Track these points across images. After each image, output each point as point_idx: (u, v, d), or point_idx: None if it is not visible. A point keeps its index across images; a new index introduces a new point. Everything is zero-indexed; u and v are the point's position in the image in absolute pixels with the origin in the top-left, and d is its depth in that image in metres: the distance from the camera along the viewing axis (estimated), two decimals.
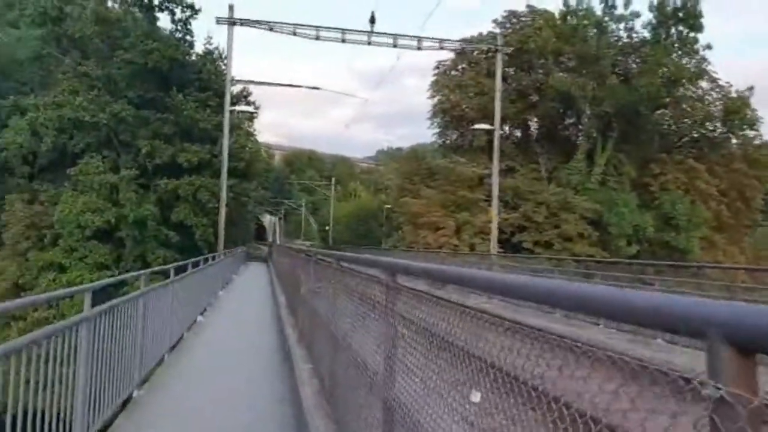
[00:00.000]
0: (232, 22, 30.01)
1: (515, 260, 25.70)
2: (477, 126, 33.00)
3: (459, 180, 42.23)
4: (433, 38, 30.11)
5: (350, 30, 29.62)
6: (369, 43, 29.40)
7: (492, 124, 47.59)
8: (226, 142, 31.01)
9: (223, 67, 40.31)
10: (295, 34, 29.39)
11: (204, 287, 15.17)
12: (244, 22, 29.91)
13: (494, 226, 31.05)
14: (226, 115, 30.94)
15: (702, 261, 41.57)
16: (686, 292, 14.35)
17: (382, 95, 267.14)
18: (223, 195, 31.92)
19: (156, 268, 10.49)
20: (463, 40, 33.00)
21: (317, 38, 29.43)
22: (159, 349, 8.88)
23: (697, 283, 16.17)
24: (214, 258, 18.50)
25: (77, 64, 38.08)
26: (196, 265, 13.51)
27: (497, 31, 49.02)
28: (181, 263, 11.95)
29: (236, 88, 46.45)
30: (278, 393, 7.55)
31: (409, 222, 43.73)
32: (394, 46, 29.73)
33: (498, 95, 31.63)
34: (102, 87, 37.90)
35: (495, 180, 31.49)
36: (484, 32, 48.67)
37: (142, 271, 8.30)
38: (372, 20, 28.88)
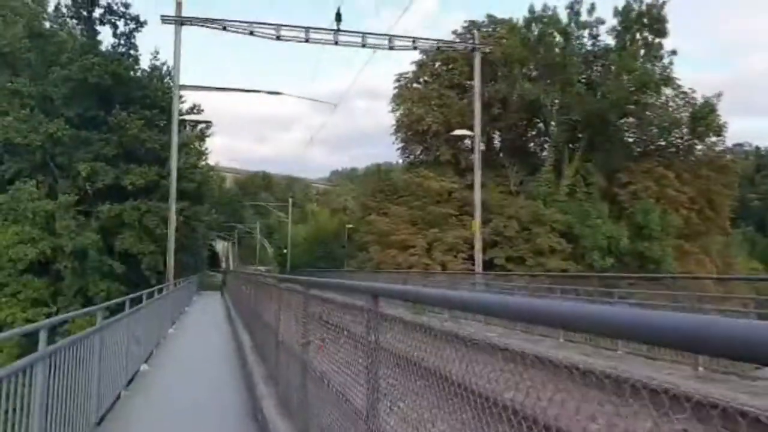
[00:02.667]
0: (179, 21, 26.87)
1: (498, 278, 23.50)
2: (457, 132, 30.82)
3: (427, 195, 40.04)
4: (406, 37, 27.76)
5: (315, 28, 27.05)
6: (336, 43, 26.73)
7: (458, 137, 46.08)
8: (174, 155, 27.84)
9: (172, 84, 37.45)
10: (252, 33, 26.51)
11: (149, 326, 12.45)
12: (195, 22, 26.81)
13: (478, 239, 28.66)
14: (174, 126, 27.81)
15: (675, 271, 40.56)
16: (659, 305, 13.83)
17: (334, 118, 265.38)
18: (172, 217, 28.57)
19: (66, 316, 7.73)
20: (439, 41, 30.65)
21: (278, 38, 26.61)
22: (78, 427, 6.21)
23: (671, 295, 15.10)
24: (161, 290, 15.72)
25: (7, 82, 34.60)
26: (137, 301, 10.82)
27: (458, 41, 47.59)
28: (112, 302, 9.29)
29: (186, 105, 43.65)
30: None
31: (376, 241, 41.22)
32: (363, 45, 27.13)
33: (477, 97, 29.43)
34: (36, 105, 34.59)
35: (477, 189, 29.14)
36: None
37: (47, 321, 5.64)
38: (338, 18, 26.47)
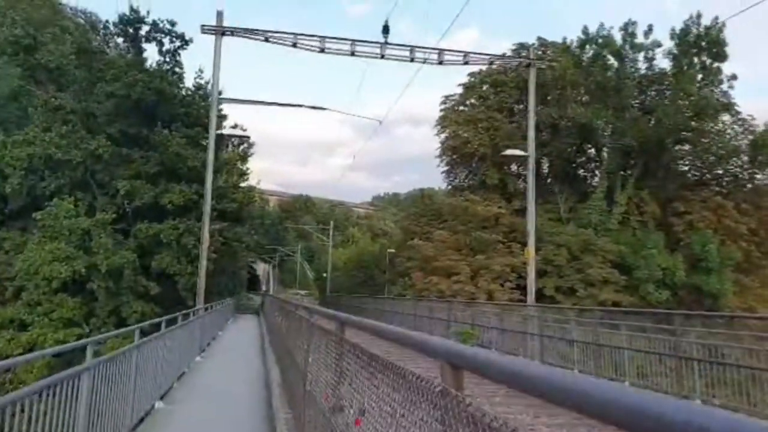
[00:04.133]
0: (221, 31, 25.92)
1: (550, 311, 21.71)
2: (510, 152, 29.13)
3: (473, 220, 38.40)
4: (457, 51, 26.31)
5: (361, 41, 25.88)
6: (382, 56, 25.43)
7: (505, 160, 44.45)
8: (210, 170, 26.73)
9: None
10: (295, 45, 25.42)
11: (170, 357, 11.22)
12: (236, 32, 25.82)
13: (531, 267, 26.80)
14: (211, 140, 26.79)
15: (734, 306, 38.14)
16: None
17: (375, 144, 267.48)
18: (205, 235, 27.41)
19: (34, 354, 6.44)
20: (491, 56, 29.03)
21: (322, 51, 25.40)
22: None
23: (733, 335, 13.74)
24: (188, 315, 14.49)
25: (51, 97, 34.42)
26: (151, 329, 9.60)
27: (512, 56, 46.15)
28: (104, 336, 8.07)
29: (228, 123, 43.20)
30: None
31: (419, 267, 39.66)
32: (412, 59, 25.77)
33: (531, 114, 27.74)
34: (78, 121, 34.28)
35: (531, 212, 27.18)
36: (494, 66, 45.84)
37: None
38: (385, 30, 25.17)
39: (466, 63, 26.70)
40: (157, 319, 10.63)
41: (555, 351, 16.08)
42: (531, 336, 17.20)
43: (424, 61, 25.31)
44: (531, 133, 27.46)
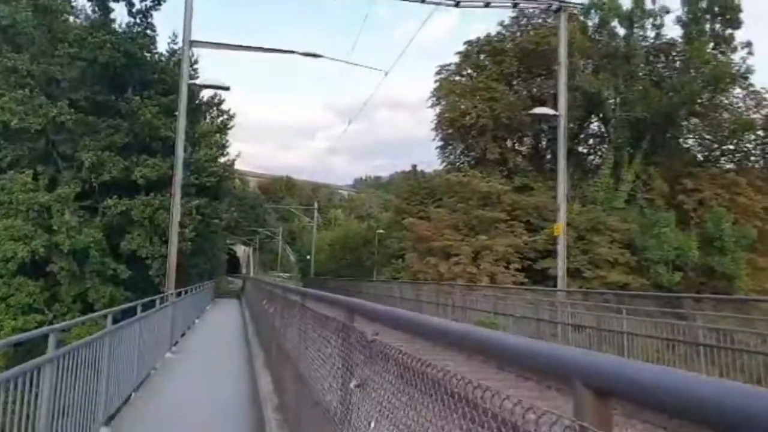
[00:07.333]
0: None
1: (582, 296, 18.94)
2: (537, 110, 26.09)
3: (473, 197, 35.45)
4: None
5: None
6: None
7: (506, 134, 41.67)
8: (181, 126, 23.31)
9: (192, 72, 33.23)
10: None
11: (127, 360, 8.22)
12: None
13: (562, 245, 23.69)
14: (183, 96, 23.37)
15: (748, 288, 35.96)
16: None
17: (356, 128, 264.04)
18: (176, 204, 23.79)
19: None
20: None
21: None
22: None
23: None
24: (151, 305, 11.40)
25: (4, 58, 30.75)
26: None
27: (505, 33, 43.28)
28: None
29: (206, 93, 40.19)
30: None
31: (413, 248, 36.74)
32: (423, 1, 22.68)
33: (563, 70, 24.48)
34: (36, 86, 30.70)
35: (561, 182, 23.99)
36: (492, 33, 43.10)
37: None
38: None
39: (487, 5, 23.45)
40: (104, 311, 7.66)
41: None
42: (574, 328, 14.26)
43: (437, 6, 22.06)
44: (563, 79, 24.17)
